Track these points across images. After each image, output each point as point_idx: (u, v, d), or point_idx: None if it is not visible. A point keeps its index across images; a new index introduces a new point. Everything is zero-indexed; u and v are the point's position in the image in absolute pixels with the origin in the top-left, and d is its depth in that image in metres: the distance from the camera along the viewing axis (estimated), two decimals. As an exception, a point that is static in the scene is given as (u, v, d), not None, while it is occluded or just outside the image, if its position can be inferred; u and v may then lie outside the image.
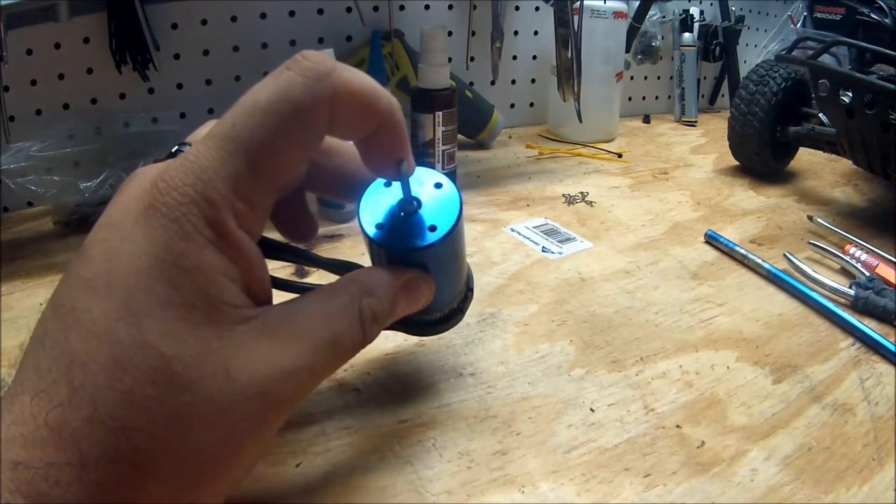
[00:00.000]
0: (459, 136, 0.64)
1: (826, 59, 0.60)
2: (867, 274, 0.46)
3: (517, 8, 0.81)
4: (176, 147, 0.25)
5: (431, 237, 0.26)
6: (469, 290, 0.34)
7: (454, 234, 0.27)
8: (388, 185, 0.28)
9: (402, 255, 0.27)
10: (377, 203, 0.27)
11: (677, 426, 0.32)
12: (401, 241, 0.26)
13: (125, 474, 0.18)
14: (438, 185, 0.28)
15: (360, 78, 0.22)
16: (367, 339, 0.24)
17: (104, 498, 0.18)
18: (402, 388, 0.34)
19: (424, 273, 0.27)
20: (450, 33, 0.73)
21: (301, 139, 0.21)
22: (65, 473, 0.17)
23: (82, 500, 0.17)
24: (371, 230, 0.26)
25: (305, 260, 0.29)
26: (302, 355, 0.21)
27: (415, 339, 0.38)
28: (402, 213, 0.27)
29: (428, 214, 0.27)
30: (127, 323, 0.19)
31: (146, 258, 0.19)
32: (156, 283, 0.19)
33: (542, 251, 0.51)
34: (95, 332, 0.19)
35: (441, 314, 0.32)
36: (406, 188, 0.26)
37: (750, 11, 1.01)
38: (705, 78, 1.01)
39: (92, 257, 0.20)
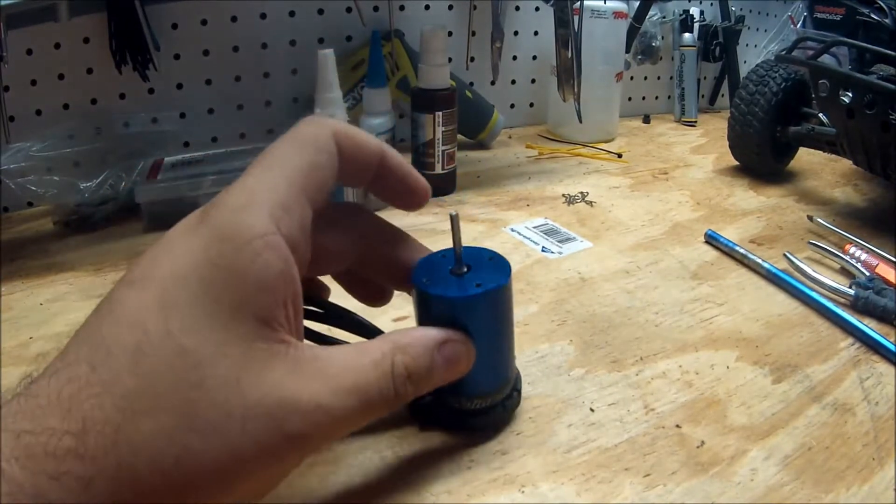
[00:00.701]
0: (459, 136, 0.65)
1: (826, 59, 0.60)
2: (867, 274, 0.46)
3: (517, 8, 0.81)
4: None
5: (474, 290, 0.27)
6: (515, 391, 0.32)
7: (499, 296, 0.28)
8: (444, 255, 0.30)
9: (442, 305, 0.28)
10: (431, 268, 0.29)
11: (677, 426, 0.32)
12: (444, 291, 0.28)
13: (122, 456, 0.18)
14: (491, 258, 0.30)
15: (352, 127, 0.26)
16: (400, 395, 0.24)
17: (98, 472, 0.18)
18: (402, 388, 0.34)
19: (464, 336, 0.27)
20: (450, 33, 0.73)
21: (320, 162, 0.24)
22: (63, 441, 0.17)
23: (76, 469, 0.17)
24: (419, 283, 0.28)
25: (350, 323, 0.30)
26: (321, 395, 0.21)
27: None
28: (452, 274, 0.29)
29: (476, 276, 0.28)
30: (155, 313, 0.19)
31: (185, 257, 0.20)
32: (190, 280, 0.20)
33: (542, 251, 0.51)
34: (126, 321, 0.19)
35: (482, 403, 0.30)
36: (456, 233, 0.28)
37: (750, 11, 1.01)
38: (705, 78, 1.01)
39: (139, 263, 0.21)
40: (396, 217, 0.57)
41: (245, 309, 0.20)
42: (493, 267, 0.29)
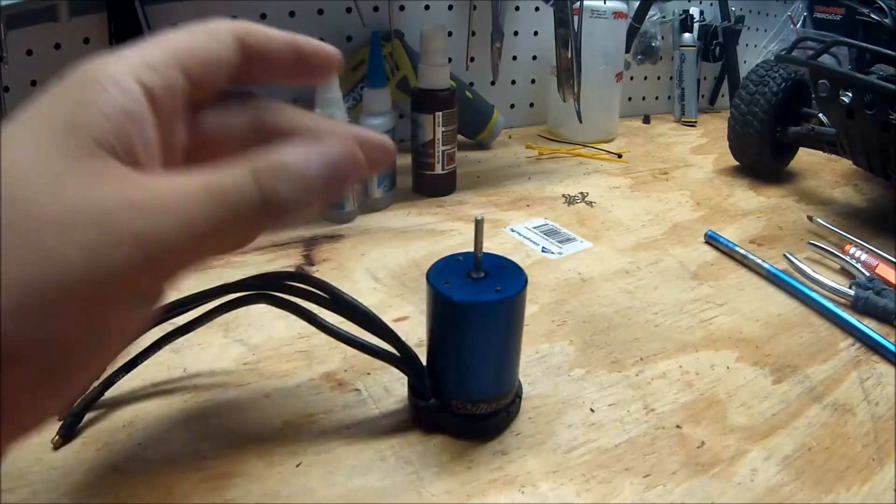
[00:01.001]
0: (459, 137, 0.64)
1: (826, 59, 0.60)
2: (867, 274, 0.46)
3: (517, 8, 0.81)
4: None
5: (494, 296, 0.28)
6: (518, 398, 0.32)
7: (516, 303, 0.29)
8: (458, 258, 0.30)
9: (463, 309, 0.28)
10: (448, 270, 0.30)
11: (677, 426, 0.32)
12: (471, 297, 0.28)
13: None
14: (506, 265, 0.30)
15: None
16: (269, 197, 0.19)
17: None
18: (402, 389, 0.34)
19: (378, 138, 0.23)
20: (450, 33, 0.73)
21: (207, 45, 0.23)
22: None
23: None
24: (437, 286, 0.29)
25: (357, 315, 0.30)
26: (163, 195, 0.18)
27: (413, 338, 0.38)
28: (469, 278, 0.29)
29: (495, 282, 0.29)
30: (7, 134, 0.18)
31: (47, 94, 0.20)
32: (30, 111, 0.19)
33: (542, 251, 0.51)
34: None
35: (488, 408, 0.30)
36: (479, 237, 0.29)
37: (750, 11, 1.01)
38: (705, 78, 1.01)
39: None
40: (396, 218, 0.57)
41: (78, 130, 0.18)
42: (510, 274, 0.30)
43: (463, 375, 0.30)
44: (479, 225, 0.29)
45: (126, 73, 0.20)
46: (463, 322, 0.28)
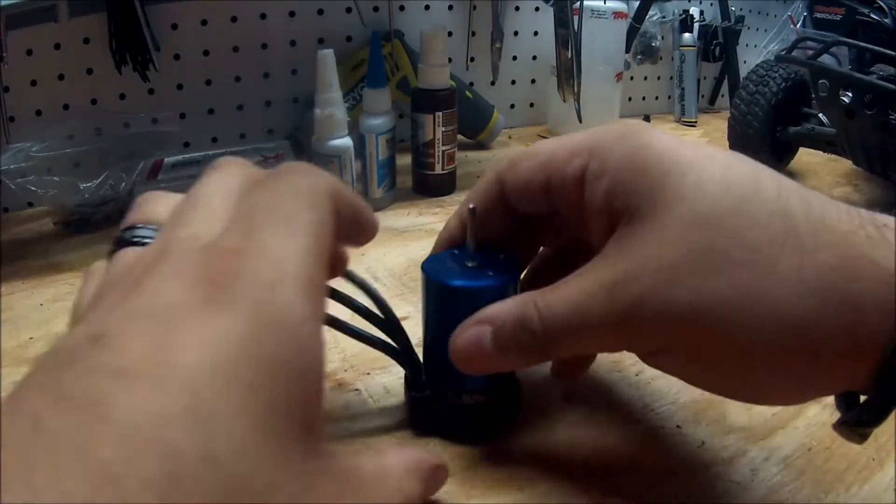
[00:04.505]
0: (459, 137, 0.64)
1: (826, 59, 0.60)
2: (867, 274, 0.46)
3: (517, 8, 0.81)
4: (126, 231, 0.24)
5: (490, 281, 0.28)
6: (516, 393, 0.32)
7: (512, 290, 0.28)
8: (453, 252, 0.30)
9: (459, 295, 0.28)
10: (442, 261, 0.30)
11: (677, 426, 0.32)
12: (466, 282, 0.28)
13: None
14: (502, 257, 0.30)
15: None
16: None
17: None
18: (402, 389, 0.34)
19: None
20: (450, 33, 0.73)
21: (326, 222, 0.21)
22: None
23: None
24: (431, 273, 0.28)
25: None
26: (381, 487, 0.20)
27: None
28: (465, 267, 0.29)
29: (490, 270, 0.29)
30: (187, 429, 0.14)
31: (216, 352, 0.15)
32: (230, 381, 0.15)
33: (542, 251, 0.51)
34: (141, 437, 0.13)
35: (482, 399, 0.30)
36: (473, 227, 0.28)
37: (750, 11, 1.01)
38: (705, 78, 1.01)
39: (125, 346, 0.15)
40: (396, 218, 0.57)
41: (294, 418, 0.16)
42: (506, 263, 0.30)
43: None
44: (472, 213, 0.29)
45: (308, 307, 0.17)
46: (457, 307, 0.28)
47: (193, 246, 0.18)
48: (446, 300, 0.29)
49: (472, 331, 0.26)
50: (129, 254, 0.23)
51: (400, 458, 0.22)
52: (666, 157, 0.23)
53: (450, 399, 0.30)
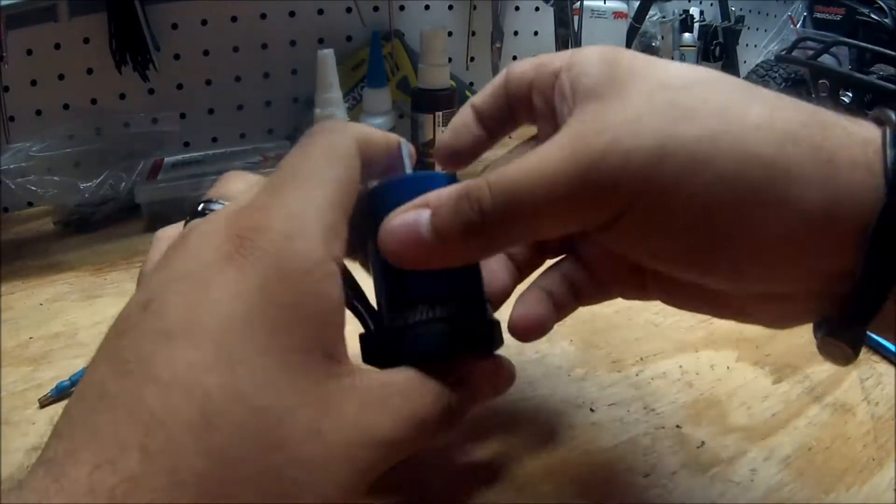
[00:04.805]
0: (459, 137, 0.64)
1: (826, 59, 0.60)
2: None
3: (517, 8, 0.81)
4: (202, 205, 0.24)
5: (418, 173, 0.25)
6: (486, 317, 0.26)
7: (439, 182, 0.24)
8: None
9: (385, 189, 0.24)
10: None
11: (677, 426, 0.32)
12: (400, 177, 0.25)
13: None
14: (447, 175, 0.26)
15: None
16: (452, 427, 0.23)
17: None
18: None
19: (508, 361, 0.26)
20: (450, 33, 0.73)
21: (351, 176, 0.23)
22: None
23: None
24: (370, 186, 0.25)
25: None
26: (390, 427, 0.20)
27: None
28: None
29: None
30: (217, 373, 0.17)
31: (239, 303, 0.18)
32: (252, 327, 0.17)
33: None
34: (179, 386, 0.16)
35: (432, 313, 0.23)
36: (406, 161, 0.26)
37: (750, 11, 1.01)
38: (705, 78, 1.01)
39: (166, 309, 0.18)
40: (396, 217, 0.57)
41: (314, 348, 0.18)
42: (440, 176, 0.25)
43: (397, 276, 0.23)
44: (402, 149, 0.26)
45: (324, 252, 0.19)
46: (380, 207, 0.23)
47: (229, 207, 0.21)
48: (378, 204, 0.24)
49: (408, 214, 0.22)
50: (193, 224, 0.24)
51: (439, 369, 0.22)
52: (638, 56, 0.23)
53: (395, 323, 0.24)
